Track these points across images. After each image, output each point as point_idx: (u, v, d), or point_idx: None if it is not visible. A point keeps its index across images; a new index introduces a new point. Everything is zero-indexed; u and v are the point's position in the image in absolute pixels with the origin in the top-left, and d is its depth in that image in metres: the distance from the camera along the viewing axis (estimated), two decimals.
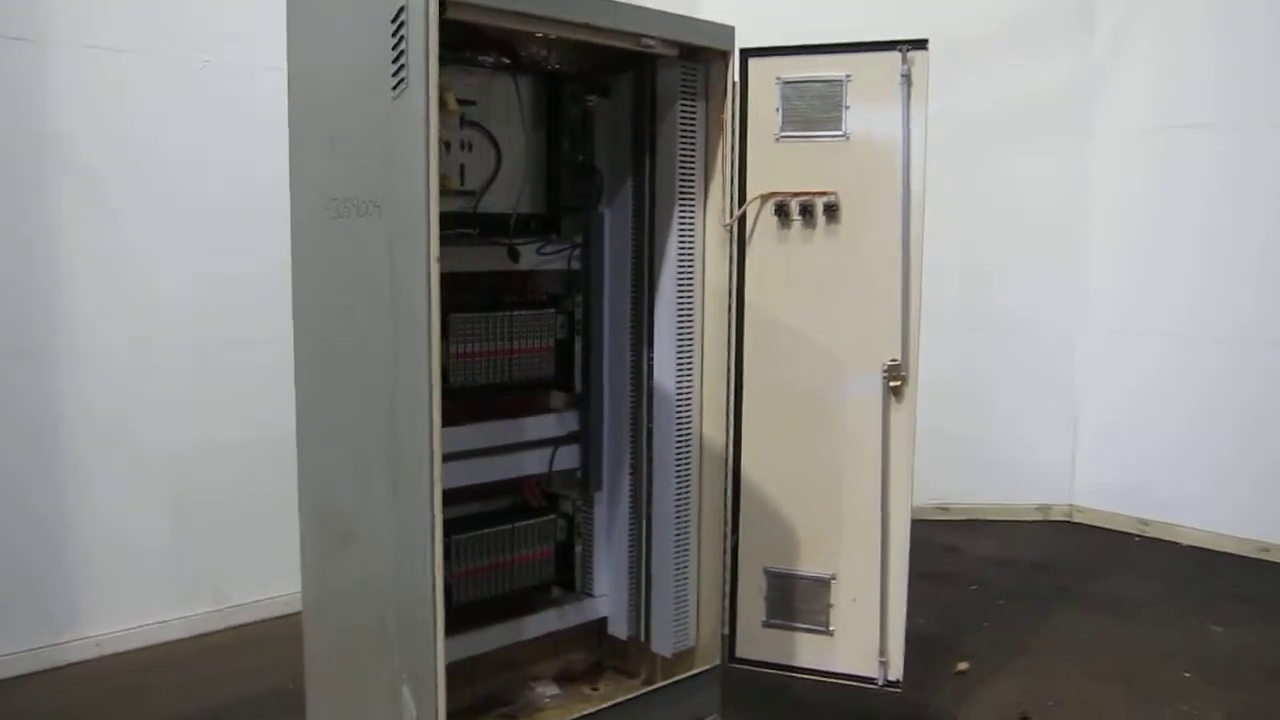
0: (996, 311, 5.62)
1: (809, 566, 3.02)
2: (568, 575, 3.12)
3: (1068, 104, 5.51)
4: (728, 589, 3.12)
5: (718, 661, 3.15)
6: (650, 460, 3.12)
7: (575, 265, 3.06)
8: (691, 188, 3.00)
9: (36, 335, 3.69)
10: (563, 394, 3.11)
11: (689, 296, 3.03)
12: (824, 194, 2.89)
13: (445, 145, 2.60)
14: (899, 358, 2.85)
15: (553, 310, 2.96)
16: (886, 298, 2.85)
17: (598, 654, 3.29)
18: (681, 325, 3.03)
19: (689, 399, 3.07)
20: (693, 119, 2.97)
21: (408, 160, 1.91)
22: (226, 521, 4.16)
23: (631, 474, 3.18)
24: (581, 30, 2.58)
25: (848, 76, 2.84)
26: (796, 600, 3.04)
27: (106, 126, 3.76)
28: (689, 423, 3.07)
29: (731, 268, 3.01)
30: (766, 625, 3.09)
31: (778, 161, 2.93)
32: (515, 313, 2.88)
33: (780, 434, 3.02)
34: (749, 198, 2.95)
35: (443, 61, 2.58)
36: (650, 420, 3.12)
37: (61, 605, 3.81)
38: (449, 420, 2.84)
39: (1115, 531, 5.57)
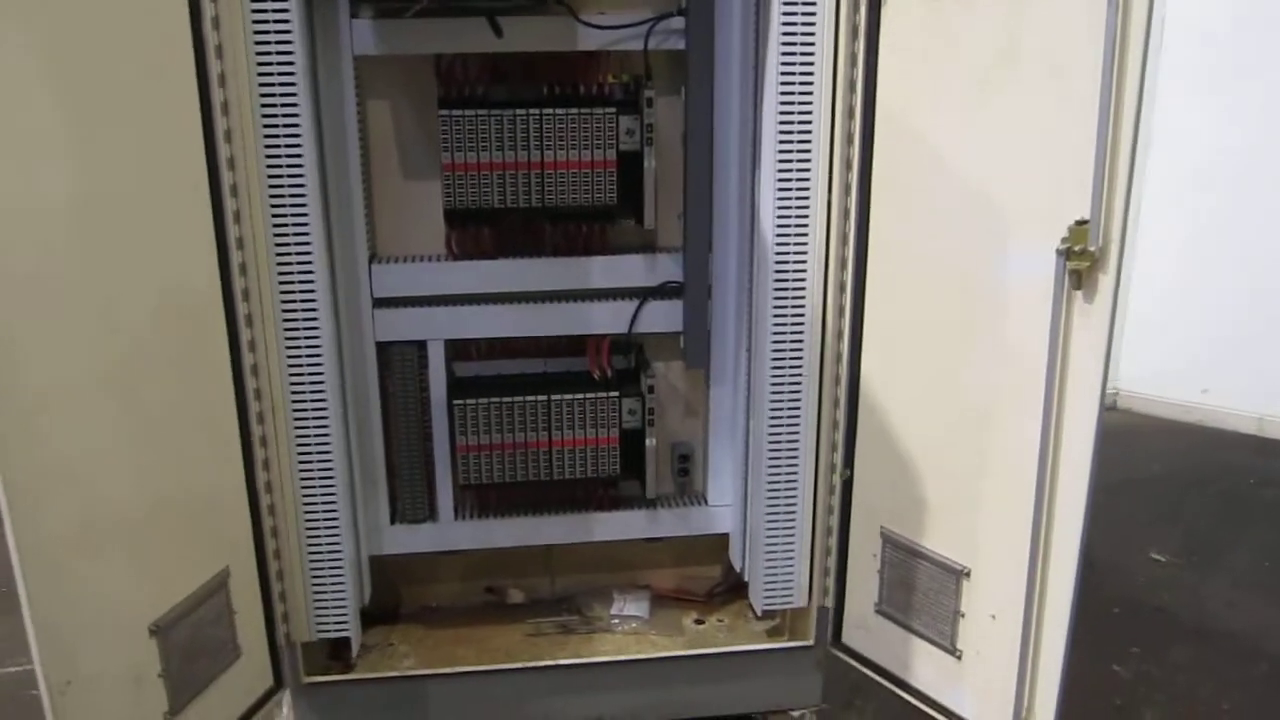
0: None
1: (937, 544, 1.85)
2: (637, 476, 2.32)
3: None
4: (835, 543, 2.08)
5: (811, 641, 2.18)
6: (751, 337, 2.15)
7: (664, 44, 2.10)
8: None
9: None
10: (649, 231, 2.23)
11: (800, 93, 1.93)
12: None
13: None
14: (1089, 216, 1.49)
15: (613, 110, 2.07)
16: (1080, 104, 1.47)
17: (733, 576, 2.46)
18: (784, 140, 1.95)
19: (794, 257, 2.02)
20: None
21: None
22: None
23: (749, 351, 2.23)
24: None
25: None
26: (918, 590, 1.90)
27: None
28: (791, 293, 2.04)
29: (855, 46, 1.82)
30: (879, 612, 2.00)
31: None
32: (549, 111, 2.06)
33: (915, 328, 1.82)
34: None
35: None
36: (752, 280, 2.12)
37: None
38: (470, 253, 2.22)
39: None
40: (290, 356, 1.95)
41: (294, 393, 1.96)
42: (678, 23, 2.07)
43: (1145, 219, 3.79)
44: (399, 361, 2.22)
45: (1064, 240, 1.54)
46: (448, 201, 2.08)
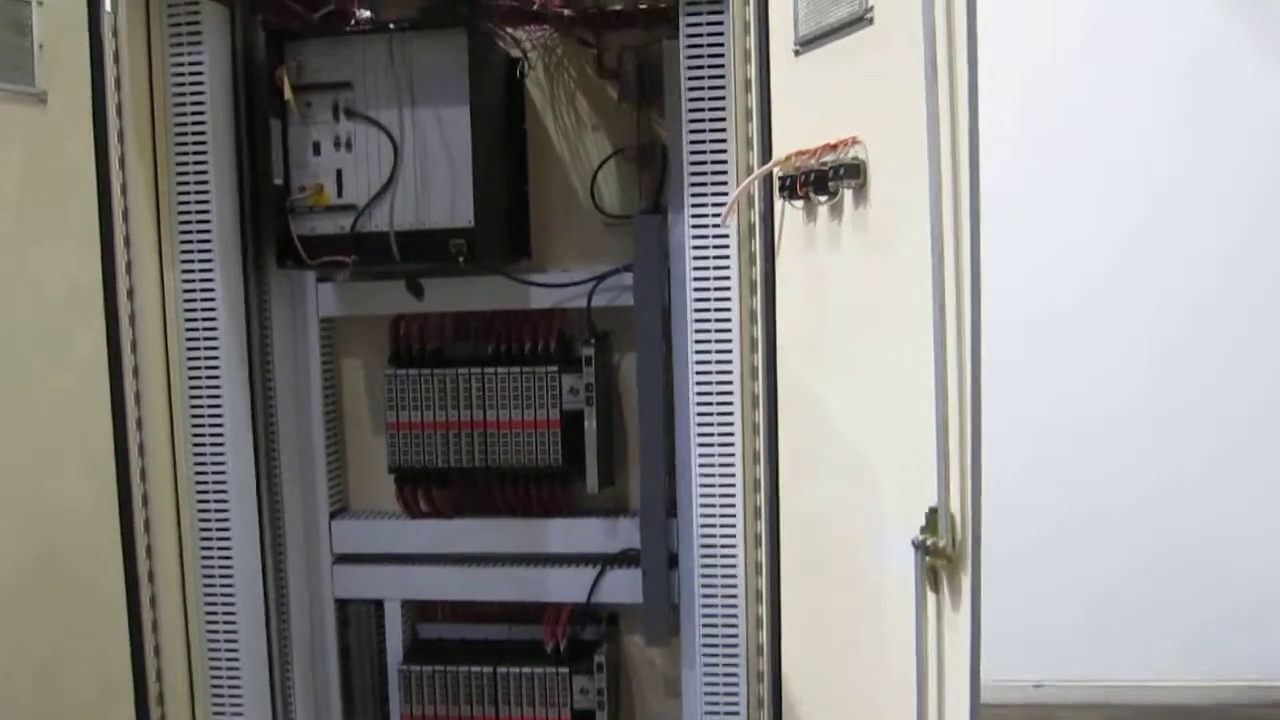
0: None
1: None
2: None
3: None
4: None
5: None
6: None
7: (618, 300, 2.02)
8: (705, 159, 1.75)
9: None
10: (617, 492, 2.09)
11: (717, 350, 1.77)
12: (838, 146, 1.37)
13: (314, 146, 1.92)
14: (939, 504, 1.21)
15: (555, 369, 1.99)
16: (921, 363, 1.22)
17: None
18: (701, 403, 1.79)
19: (721, 533, 1.81)
20: (696, 44, 1.72)
21: None
22: None
23: None
24: None
25: None
26: None
27: None
28: (721, 574, 1.82)
29: (754, 301, 1.67)
30: None
31: (802, 94, 1.49)
32: (490, 370, 2.01)
33: (821, 613, 1.53)
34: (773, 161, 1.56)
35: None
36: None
37: None
38: (423, 511, 2.14)
39: None
40: (209, 631, 1.91)
41: (212, 666, 1.92)
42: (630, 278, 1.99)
43: None
44: (356, 619, 2.16)
45: (921, 530, 1.26)
46: (392, 459, 2.05)
